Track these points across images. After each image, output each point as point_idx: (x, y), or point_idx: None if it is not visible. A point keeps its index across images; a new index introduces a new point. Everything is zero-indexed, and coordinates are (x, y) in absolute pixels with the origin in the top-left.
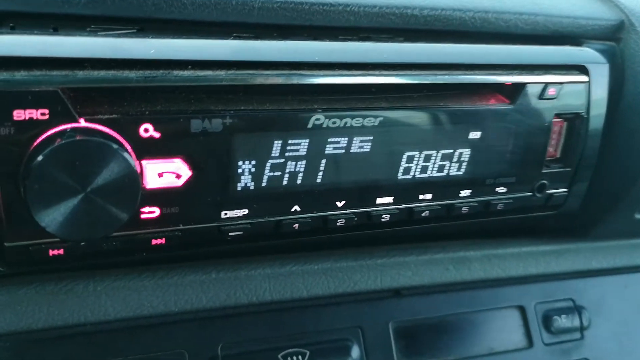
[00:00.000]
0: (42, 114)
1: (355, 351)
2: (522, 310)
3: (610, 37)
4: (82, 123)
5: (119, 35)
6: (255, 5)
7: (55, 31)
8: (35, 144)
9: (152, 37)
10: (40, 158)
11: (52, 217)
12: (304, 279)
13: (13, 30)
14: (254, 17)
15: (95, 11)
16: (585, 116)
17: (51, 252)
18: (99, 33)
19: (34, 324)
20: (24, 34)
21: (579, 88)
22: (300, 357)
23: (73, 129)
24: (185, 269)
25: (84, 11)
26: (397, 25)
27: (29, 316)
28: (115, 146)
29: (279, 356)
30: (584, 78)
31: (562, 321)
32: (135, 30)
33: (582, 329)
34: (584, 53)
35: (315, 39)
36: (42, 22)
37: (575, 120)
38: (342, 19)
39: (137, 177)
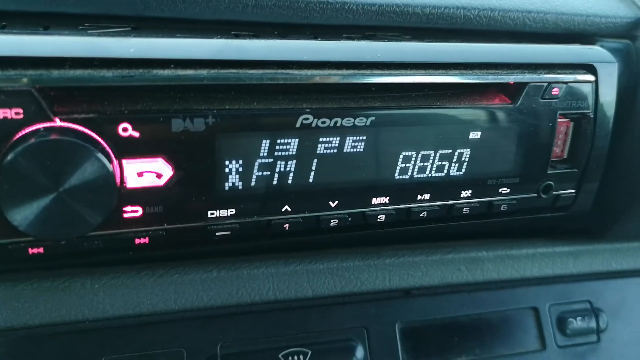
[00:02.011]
0: (17, 114)
1: (359, 351)
2: (535, 311)
3: (625, 35)
4: (57, 122)
5: (109, 34)
6: (249, 3)
7: (46, 30)
8: (9, 143)
9: (135, 36)
10: (10, 156)
11: (23, 216)
12: (309, 278)
13: (3, 29)
14: (249, 14)
15: (85, 9)
16: (592, 116)
17: (31, 251)
18: (89, 31)
19: (31, 320)
20: (12, 33)
21: (584, 87)
22: (301, 356)
23: (46, 129)
24: (186, 267)
25: (73, 9)
26: (399, 23)
27: (25, 312)
28: (89, 146)
29: (280, 356)
30: (590, 77)
31: (578, 323)
32: (129, 29)
33: (598, 331)
34: (592, 52)
35: (316, 37)
36: (34, 21)
37: (582, 120)
38: (340, 17)
39: (111, 178)
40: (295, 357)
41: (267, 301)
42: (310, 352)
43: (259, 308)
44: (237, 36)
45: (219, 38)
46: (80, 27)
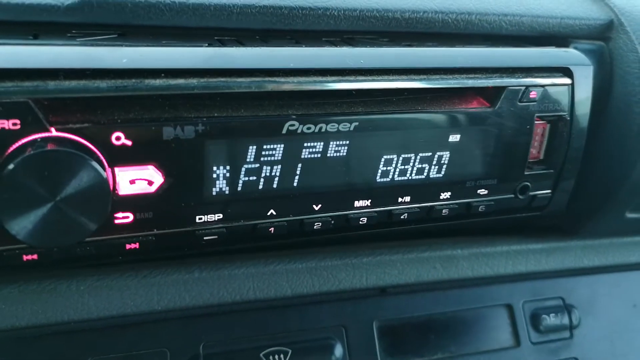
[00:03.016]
0: (14, 124)
1: (338, 350)
2: (509, 308)
3: (599, 36)
4: (53, 132)
5: (97, 41)
6: (234, 11)
7: (36, 37)
8: (7, 153)
9: (126, 46)
10: (10, 167)
11: (22, 225)
12: (288, 277)
13: None
14: (233, 22)
15: (74, 19)
16: (568, 118)
17: (25, 257)
18: (78, 39)
19: (17, 322)
20: (5, 43)
21: (561, 90)
22: (282, 355)
23: (43, 139)
24: (169, 268)
25: (63, 19)
26: (379, 28)
27: (12, 314)
28: (84, 155)
29: (261, 355)
30: (567, 80)
31: (551, 320)
32: (116, 35)
33: (571, 327)
34: (568, 55)
35: (297, 41)
36: (23, 29)
37: (558, 123)
38: (322, 23)
39: (106, 186)
40: (276, 357)
41: (247, 300)
42: (290, 352)
43: (240, 307)
44: (221, 42)
45: (206, 45)
46: (69, 35)
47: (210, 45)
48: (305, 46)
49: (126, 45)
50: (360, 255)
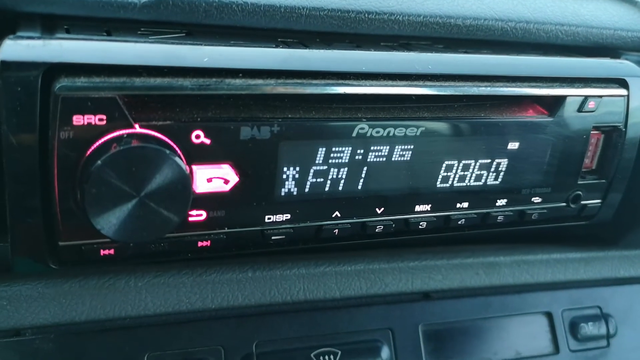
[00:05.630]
0: (100, 120)
1: (385, 352)
2: (549, 316)
3: None
4: (137, 129)
5: (169, 39)
6: (302, 13)
7: (109, 34)
8: (92, 148)
9: (205, 45)
10: (99, 163)
11: (107, 221)
12: (337, 279)
13: (68, 32)
14: (301, 24)
15: (146, 16)
16: (623, 129)
17: (102, 252)
18: (150, 37)
19: (77, 317)
20: (80, 38)
21: (618, 101)
22: (332, 356)
23: (129, 135)
24: (223, 267)
25: (137, 16)
26: (440, 34)
27: (72, 309)
28: (169, 152)
29: (312, 355)
30: (624, 92)
31: (589, 328)
32: (183, 34)
33: (608, 337)
34: (624, 66)
35: (357, 45)
36: (96, 25)
37: (612, 133)
38: (385, 28)
39: (189, 182)
40: (326, 357)
41: (297, 301)
42: (340, 353)
43: (290, 308)
44: (285, 43)
45: (274, 47)
46: (139, 32)
47: (277, 46)
48: (367, 50)
49: (205, 45)
50: (406, 259)
